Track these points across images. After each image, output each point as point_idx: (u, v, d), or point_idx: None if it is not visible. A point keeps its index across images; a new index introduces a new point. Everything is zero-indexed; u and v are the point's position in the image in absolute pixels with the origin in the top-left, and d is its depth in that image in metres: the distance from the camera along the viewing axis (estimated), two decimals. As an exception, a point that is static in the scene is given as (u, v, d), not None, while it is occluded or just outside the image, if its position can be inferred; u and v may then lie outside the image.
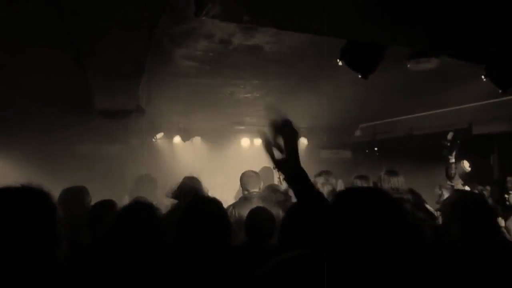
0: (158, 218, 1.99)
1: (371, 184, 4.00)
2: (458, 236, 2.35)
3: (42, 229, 1.21)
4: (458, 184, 4.46)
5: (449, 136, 4.36)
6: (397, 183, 3.76)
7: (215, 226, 1.91)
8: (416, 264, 1.25)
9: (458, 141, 4.35)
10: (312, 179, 4.59)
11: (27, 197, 1.24)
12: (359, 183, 4.15)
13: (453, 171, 4.35)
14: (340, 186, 4.75)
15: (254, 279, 1.13)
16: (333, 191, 4.00)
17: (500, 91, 3.99)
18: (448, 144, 4.30)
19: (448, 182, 4.42)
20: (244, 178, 4.13)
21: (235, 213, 3.78)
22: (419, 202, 4.01)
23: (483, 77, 3.94)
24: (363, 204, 1.26)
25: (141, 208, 2.02)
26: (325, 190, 4.02)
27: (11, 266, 1.12)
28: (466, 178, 4.95)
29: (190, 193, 3.48)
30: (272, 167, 1.46)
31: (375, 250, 1.19)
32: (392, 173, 3.80)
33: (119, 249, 1.80)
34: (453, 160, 4.33)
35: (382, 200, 1.29)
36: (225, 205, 3.80)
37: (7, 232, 1.16)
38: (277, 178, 4.70)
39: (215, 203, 2.06)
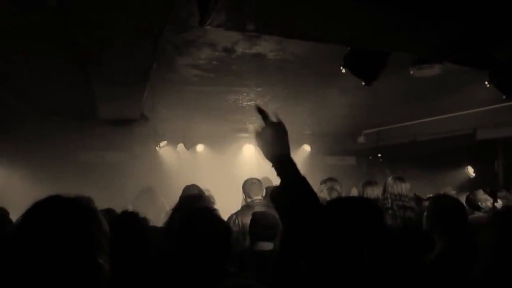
0: (144, 225, 2.20)
1: (380, 190, 3.99)
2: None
3: (86, 238, 1.28)
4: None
5: None
6: (401, 189, 3.75)
7: (214, 236, 1.97)
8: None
9: None
10: (318, 186, 4.51)
11: (75, 206, 1.32)
12: (368, 190, 4.15)
13: None
14: (353, 194, 4.73)
15: None
16: None
17: (504, 96, 3.98)
18: None
19: None
20: (247, 186, 4.07)
21: (238, 221, 3.74)
22: (422, 210, 4.00)
23: (486, 83, 3.93)
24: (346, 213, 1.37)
25: (127, 217, 2.25)
26: (332, 196, 4.00)
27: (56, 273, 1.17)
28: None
29: (192, 202, 3.47)
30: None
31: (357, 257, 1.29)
32: (398, 179, 3.80)
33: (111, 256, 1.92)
34: None
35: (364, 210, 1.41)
36: (228, 213, 3.82)
37: (58, 237, 1.23)
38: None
39: (213, 215, 2.14)
